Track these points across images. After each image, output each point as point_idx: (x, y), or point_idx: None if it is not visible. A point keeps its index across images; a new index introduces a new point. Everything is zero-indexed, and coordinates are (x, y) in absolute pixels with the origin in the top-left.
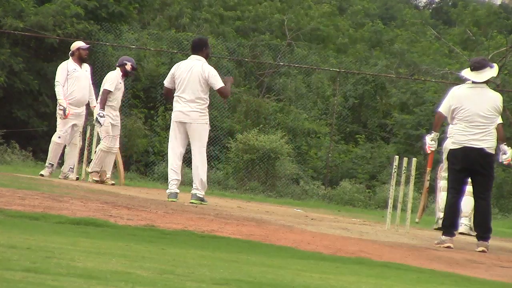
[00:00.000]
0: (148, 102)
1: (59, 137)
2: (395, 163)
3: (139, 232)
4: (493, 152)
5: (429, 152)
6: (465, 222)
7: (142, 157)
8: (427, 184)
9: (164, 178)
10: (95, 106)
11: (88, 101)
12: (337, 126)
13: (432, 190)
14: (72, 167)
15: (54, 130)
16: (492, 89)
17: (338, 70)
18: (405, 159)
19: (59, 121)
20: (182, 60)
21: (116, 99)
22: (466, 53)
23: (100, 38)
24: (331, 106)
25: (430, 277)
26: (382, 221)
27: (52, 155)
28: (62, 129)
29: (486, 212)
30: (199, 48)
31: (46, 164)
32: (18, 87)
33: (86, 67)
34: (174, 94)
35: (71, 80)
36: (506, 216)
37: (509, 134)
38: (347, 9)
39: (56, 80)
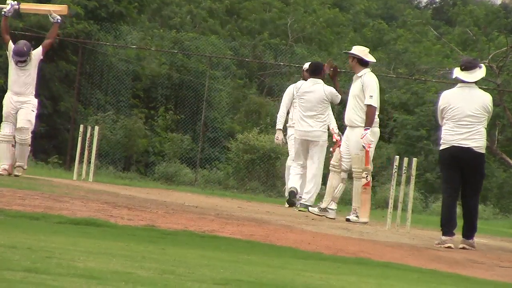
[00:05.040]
0: (149, 102)
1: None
2: (396, 163)
3: (140, 232)
4: (482, 151)
5: (369, 149)
6: (333, 206)
7: (143, 157)
8: (364, 181)
9: (164, 178)
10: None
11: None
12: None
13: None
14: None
15: (53, 131)
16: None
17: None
18: (406, 159)
19: (290, 146)
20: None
21: (16, 83)
22: (465, 53)
23: (100, 38)
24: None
25: (430, 277)
26: (383, 221)
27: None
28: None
29: (474, 211)
30: (318, 71)
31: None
32: None
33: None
34: (299, 114)
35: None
36: (507, 217)
37: (511, 134)
38: (349, 8)
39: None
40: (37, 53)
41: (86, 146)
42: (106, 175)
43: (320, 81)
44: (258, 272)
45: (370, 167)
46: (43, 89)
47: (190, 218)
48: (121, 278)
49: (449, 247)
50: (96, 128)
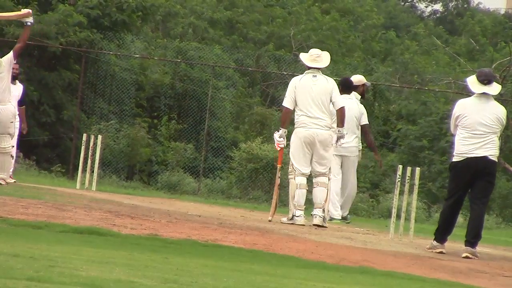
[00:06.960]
0: (152, 112)
1: None
2: (399, 172)
3: (143, 241)
4: (496, 160)
5: (278, 149)
6: (319, 213)
7: (146, 166)
8: (278, 181)
9: (167, 187)
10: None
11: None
12: None
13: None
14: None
15: (56, 140)
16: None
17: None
18: (409, 169)
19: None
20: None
21: None
22: (471, 64)
23: (103, 47)
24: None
25: (433, 286)
26: (386, 230)
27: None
28: None
29: (480, 218)
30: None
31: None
32: None
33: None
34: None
35: None
36: (510, 226)
37: None
38: (359, 22)
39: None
40: (7, 59)
41: (89, 155)
42: (109, 184)
43: (352, 96)
44: (261, 281)
45: (292, 168)
46: (46, 98)
47: (193, 227)
48: (124, 287)
49: (440, 252)
50: (99, 137)
